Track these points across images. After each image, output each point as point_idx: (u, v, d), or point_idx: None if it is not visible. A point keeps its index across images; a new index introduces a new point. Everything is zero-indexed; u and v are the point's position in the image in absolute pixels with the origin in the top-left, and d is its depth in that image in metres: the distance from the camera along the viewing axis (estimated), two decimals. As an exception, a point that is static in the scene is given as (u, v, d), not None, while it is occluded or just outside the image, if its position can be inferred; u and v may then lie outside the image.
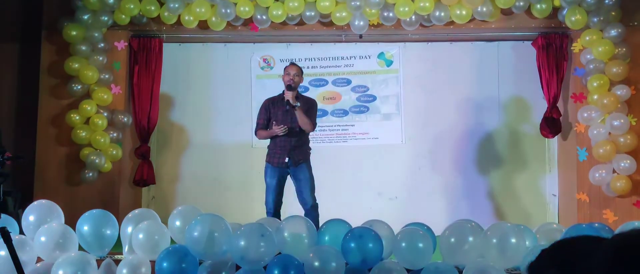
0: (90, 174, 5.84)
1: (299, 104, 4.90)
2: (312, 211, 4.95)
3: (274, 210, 5.02)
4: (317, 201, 5.02)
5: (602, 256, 1.19)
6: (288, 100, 4.90)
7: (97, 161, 5.79)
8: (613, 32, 5.64)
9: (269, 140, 5.14)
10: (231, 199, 6.42)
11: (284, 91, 5.00)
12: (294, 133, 4.97)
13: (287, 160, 4.96)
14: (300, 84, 5.12)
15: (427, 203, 6.31)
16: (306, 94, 5.63)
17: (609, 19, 5.68)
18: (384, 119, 6.54)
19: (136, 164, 6.20)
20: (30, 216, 4.13)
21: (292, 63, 5.16)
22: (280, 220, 4.73)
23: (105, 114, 5.94)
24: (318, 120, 5.26)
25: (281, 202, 5.07)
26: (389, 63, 6.54)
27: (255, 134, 5.21)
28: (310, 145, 5.19)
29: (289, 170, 5.02)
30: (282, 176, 5.04)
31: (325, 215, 4.88)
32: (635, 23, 5.84)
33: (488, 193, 6.41)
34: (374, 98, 6.54)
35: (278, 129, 4.90)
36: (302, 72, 5.10)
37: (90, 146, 5.87)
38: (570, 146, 6.03)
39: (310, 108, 5.03)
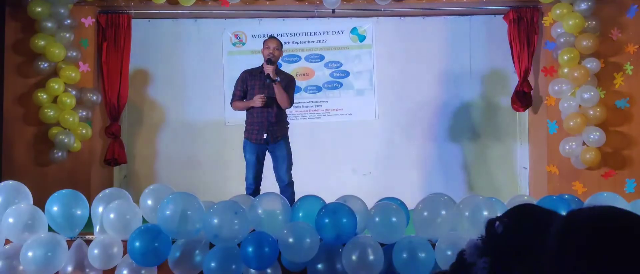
0: (60, 154, 5.72)
1: (278, 79, 4.84)
2: (287, 188, 4.95)
3: (255, 186, 4.99)
4: (292, 179, 5.00)
5: (554, 232, 1.20)
6: (268, 74, 4.83)
7: (66, 140, 5.67)
8: (583, 6, 5.68)
9: (245, 115, 5.07)
10: (205, 177, 6.37)
11: (263, 64, 4.93)
12: (272, 109, 4.91)
13: (265, 136, 4.93)
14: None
15: (401, 177, 6.36)
16: (279, 70, 5.58)
17: (579, -8, 5.71)
18: (357, 95, 6.53)
19: (107, 143, 6.10)
20: (-4, 197, 4.03)
21: (272, 37, 5.08)
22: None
23: (74, 92, 5.81)
24: (292, 97, 5.22)
25: (261, 178, 5.04)
26: (362, 38, 6.51)
27: (231, 105, 5.13)
28: (288, 120, 5.15)
29: (267, 147, 4.98)
30: (261, 152, 5.01)
31: (299, 191, 4.88)
32: (605, -4, 5.89)
33: (461, 166, 6.49)
34: (347, 74, 6.52)
35: (259, 99, 4.82)
36: (282, 46, 5.03)
37: (59, 126, 5.75)
38: (541, 120, 6.11)
39: (288, 84, 4.98)
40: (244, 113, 5.26)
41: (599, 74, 5.77)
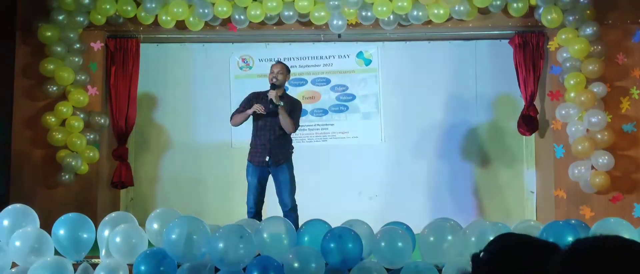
0: (67, 176, 5.75)
1: (281, 103, 4.86)
2: (290, 213, 4.92)
3: (255, 209, 4.97)
4: (296, 203, 4.98)
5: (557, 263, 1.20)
6: (271, 99, 4.86)
7: (73, 163, 5.71)
8: (588, 31, 5.71)
9: (251, 138, 5.06)
10: (211, 200, 6.39)
11: (269, 89, 4.96)
12: (274, 131, 4.92)
13: (267, 158, 4.93)
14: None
15: (407, 201, 6.33)
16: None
17: (584, 18, 5.74)
18: (363, 118, 6.54)
19: (114, 166, 6.12)
20: (4, 220, 4.06)
21: (278, 62, 5.11)
22: (260, 220, 4.71)
23: (82, 116, 5.86)
24: (298, 120, 5.22)
25: (262, 202, 5.02)
26: (368, 62, 6.55)
27: (230, 119, 5.11)
28: (293, 144, 5.15)
29: (269, 169, 4.98)
30: (263, 175, 4.99)
31: (305, 214, 4.88)
32: (610, 21, 5.92)
33: (467, 191, 6.46)
34: (353, 97, 6.55)
35: (258, 107, 4.81)
36: (288, 70, 5.05)
37: (67, 149, 5.79)
38: (548, 144, 6.10)
39: (294, 108, 4.99)
40: (250, 135, 5.30)
41: (606, 98, 5.77)
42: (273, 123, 4.92)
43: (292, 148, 5.11)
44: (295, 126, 4.99)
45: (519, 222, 4.22)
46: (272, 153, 4.92)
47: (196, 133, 6.51)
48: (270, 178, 5.06)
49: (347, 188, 6.42)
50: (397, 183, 6.43)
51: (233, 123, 5.11)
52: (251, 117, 5.04)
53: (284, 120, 4.87)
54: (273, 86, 4.89)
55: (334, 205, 6.06)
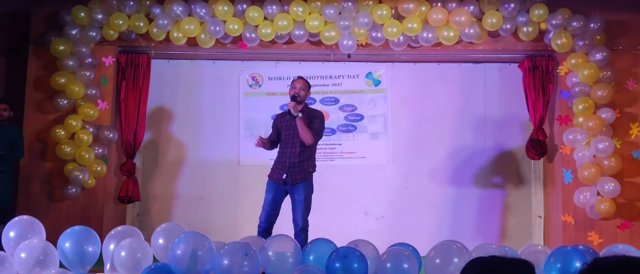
0: (74, 190, 5.78)
1: (299, 114, 4.88)
2: (300, 233, 4.89)
3: (265, 226, 4.95)
4: (308, 224, 4.95)
5: None
6: (289, 110, 4.90)
7: (80, 177, 5.73)
8: (598, 56, 5.71)
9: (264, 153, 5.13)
10: (218, 216, 6.39)
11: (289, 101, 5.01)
12: (295, 149, 4.93)
13: (284, 176, 4.93)
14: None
15: (413, 222, 6.31)
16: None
17: (594, 43, 5.75)
18: (371, 138, 6.54)
19: (121, 180, 6.14)
20: (10, 232, 4.07)
21: (299, 77, 5.13)
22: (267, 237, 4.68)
23: (91, 130, 5.89)
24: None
25: (275, 219, 4.99)
26: (377, 83, 6.57)
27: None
28: (317, 164, 5.13)
29: (286, 187, 4.97)
30: (279, 193, 4.98)
31: (311, 233, 4.87)
32: (620, 47, 5.92)
33: (474, 213, 6.41)
34: (362, 117, 6.56)
35: (259, 142, 4.99)
36: (309, 86, 5.08)
37: (75, 162, 5.82)
38: (556, 168, 6.07)
39: (313, 119, 4.99)
40: (259, 154, 5.28)
41: (615, 124, 5.75)
42: (294, 142, 4.95)
43: (314, 167, 5.08)
44: (314, 137, 4.96)
45: (526, 246, 4.17)
46: (289, 172, 4.93)
47: (204, 150, 6.52)
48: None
49: (354, 208, 6.41)
50: (404, 204, 6.41)
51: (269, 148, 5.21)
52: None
53: (302, 130, 4.87)
54: (293, 98, 4.92)
55: (340, 225, 6.05)
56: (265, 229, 4.92)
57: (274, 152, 5.18)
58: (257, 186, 5.98)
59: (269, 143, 5.11)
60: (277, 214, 4.99)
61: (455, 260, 3.72)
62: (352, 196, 6.42)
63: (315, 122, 4.99)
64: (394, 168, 6.49)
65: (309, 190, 4.99)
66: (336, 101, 6.58)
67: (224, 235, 5.72)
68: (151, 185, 6.49)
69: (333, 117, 6.57)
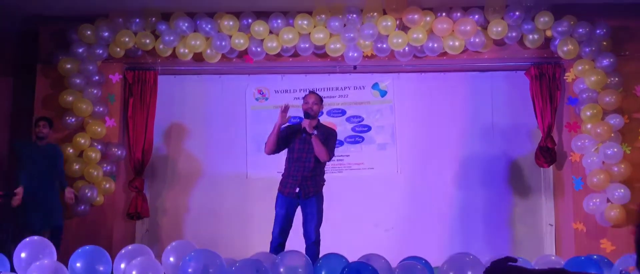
0: (83, 208, 5.78)
1: (315, 132, 4.87)
2: (313, 246, 4.87)
3: (280, 240, 4.91)
4: (320, 237, 4.92)
5: None
6: (304, 128, 4.89)
7: (89, 194, 5.74)
8: (605, 62, 5.69)
9: (284, 168, 5.02)
10: (227, 231, 6.37)
11: (302, 119, 4.97)
12: (308, 163, 4.90)
13: (297, 190, 4.91)
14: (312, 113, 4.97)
15: (423, 233, 6.28)
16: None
17: (601, 49, 5.73)
18: (379, 149, 6.53)
19: (130, 197, 6.14)
20: (22, 252, 4.08)
21: (311, 92, 5.10)
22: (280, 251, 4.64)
23: (99, 147, 5.90)
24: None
25: (288, 233, 4.94)
26: (383, 93, 6.56)
27: (265, 148, 4.99)
28: (325, 176, 5.09)
29: (299, 201, 4.96)
30: (292, 207, 4.95)
31: (321, 246, 4.84)
32: (627, 52, 5.90)
33: (484, 223, 6.37)
34: (369, 128, 6.55)
35: (282, 112, 4.77)
36: (321, 100, 5.04)
37: (83, 179, 5.82)
38: (566, 175, 6.03)
39: (328, 137, 4.97)
40: (267, 167, 5.20)
41: (623, 130, 5.72)
42: (307, 156, 4.92)
43: (324, 181, 5.07)
44: (330, 154, 4.96)
45: (540, 257, 4.15)
46: (302, 186, 4.90)
47: (212, 164, 6.52)
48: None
49: (363, 219, 6.38)
50: (413, 215, 6.38)
51: (267, 150, 4.99)
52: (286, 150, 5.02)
53: (318, 148, 4.85)
54: (307, 115, 4.90)
55: (350, 237, 6.02)
56: (280, 244, 4.89)
57: (279, 164, 5.13)
58: (266, 199, 5.98)
59: (279, 141, 4.95)
60: (290, 227, 4.96)
61: (469, 273, 3.69)
62: (361, 208, 6.40)
63: (331, 139, 4.97)
64: (402, 178, 6.47)
65: (321, 202, 4.98)
66: (343, 112, 6.58)
67: (233, 249, 5.72)
68: (160, 200, 6.49)
69: (340, 129, 6.53)
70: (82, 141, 5.83)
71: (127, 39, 5.86)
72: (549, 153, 5.98)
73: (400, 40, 5.78)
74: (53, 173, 5.48)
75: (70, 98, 5.82)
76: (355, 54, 5.90)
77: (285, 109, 4.83)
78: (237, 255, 4.64)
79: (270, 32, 5.91)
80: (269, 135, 4.95)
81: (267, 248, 4.91)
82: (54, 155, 5.54)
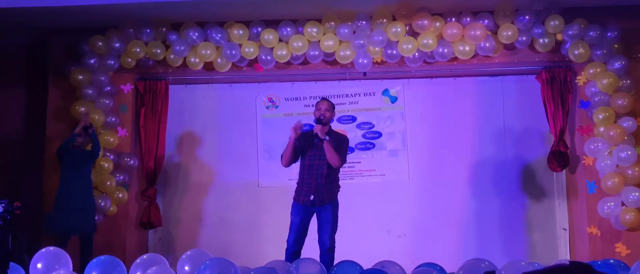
0: (96, 217, 5.80)
1: (327, 138, 4.87)
2: (327, 253, 4.86)
3: (295, 248, 4.89)
4: (335, 244, 4.91)
5: None
6: (316, 134, 4.89)
7: (102, 204, 5.77)
8: (617, 65, 5.67)
9: (298, 176, 5.02)
10: (239, 239, 6.37)
11: (313, 126, 4.97)
12: (322, 170, 4.89)
13: (312, 197, 4.90)
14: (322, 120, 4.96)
15: (436, 239, 6.26)
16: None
17: (612, 52, 5.71)
18: (390, 155, 6.52)
19: (142, 206, 6.17)
20: (38, 263, 4.10)
21: (324, 99, 5.11)
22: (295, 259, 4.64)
23: (112, 157, 5.94)
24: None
25: (303, 240, 4.94)
26: (394, 99, 6.56)
27: (281, 160, 5.00)
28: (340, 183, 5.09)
29: (314, 208, 4.95)
30: (307, 214, 4.95)
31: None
32: (638, 55, 5.87)
33: (497, 228, 6.33)
34: (380, 134, 6.55)
35: (296, 127, 4.79)
36: (333, 107, 5.05)
37: (97, 189, 5.85)
38: (579, 179, 6.00)
39: (340, 143, 4.98)
40: (278, 175, 5.20)
41: (636, 133, 5.69)
42: (320, 163, 4.91)
43: (339, 187, 5.07)
44: (342, 160, 4.95)
45: (555, 262, 4.12)
46: (317, 193, 4.90)
47: (224, 173, 6.53)
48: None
49: (375, 226, 6.37)
50: (426, 221, 6.36)
51: (284, 163, 5.00)
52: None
53: (329, 154, 4.84)
54: (318, 121, 4.91)
55: (362, 244, 6.01)
56: (296, 251, 4.88)
57: (290, 172, 5.13)
58: (278, 207, 6.02)
59: (295, 151, 4.96)
60: (306, 235, 4.95)
61: (484, 279, 3.67)
62: (373, 214, 6.39)
63: (343, 145, 4.98)
64: (414, 184, 6.45)
65: (336, 209, 4.97)
66: (353, 119, 6.58)
67: (246, 257, 5.72)
68: (172, 209, 6.51)
69: (351, 135, 6.52)
70: (95, 151, 5.85)
71: (138, 50, 5.90)
72: (561, 157, 5.95)
73: (410, 46, 5.78)
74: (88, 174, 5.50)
75: (82, 109, 5.86)
76: (365, 61, 5.91)
77: (299, 127, 4.83)
78: (249, 264, 4.64)
79: (280, 40, 5.93)
80: (284, 148, 4.95)
81: (279, 256, 4.90)
82: (86, 156, 5.53)
